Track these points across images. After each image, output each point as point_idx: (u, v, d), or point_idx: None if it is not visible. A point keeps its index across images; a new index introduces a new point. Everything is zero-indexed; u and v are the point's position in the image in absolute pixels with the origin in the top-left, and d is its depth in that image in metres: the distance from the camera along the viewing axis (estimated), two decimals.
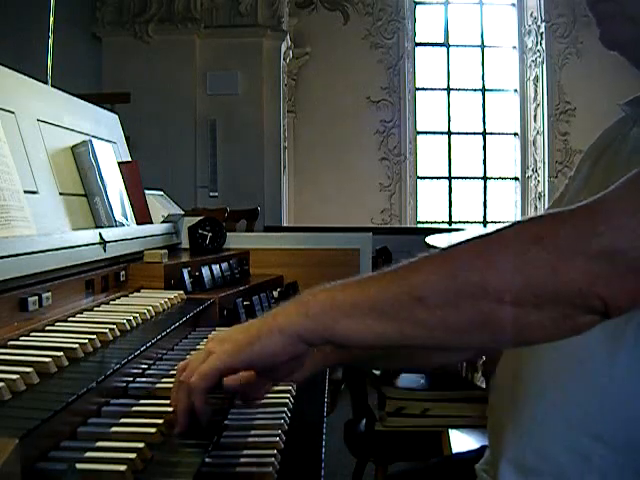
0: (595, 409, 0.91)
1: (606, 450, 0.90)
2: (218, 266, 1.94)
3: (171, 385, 0.98)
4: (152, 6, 6.93)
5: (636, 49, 0.95)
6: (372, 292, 0.74)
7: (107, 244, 1.52)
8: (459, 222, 9.42)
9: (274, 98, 7.19)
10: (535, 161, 9.46)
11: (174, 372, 1.11)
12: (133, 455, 0.75)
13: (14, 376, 0.80)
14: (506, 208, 9.77)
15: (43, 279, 1.20)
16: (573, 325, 0.71)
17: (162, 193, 2.49)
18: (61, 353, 0.93)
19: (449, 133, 9.65)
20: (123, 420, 0.88)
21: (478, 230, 7.08)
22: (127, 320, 1.20)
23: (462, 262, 0.72)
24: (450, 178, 9.68)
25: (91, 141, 1.73)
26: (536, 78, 9.29)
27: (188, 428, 0.86)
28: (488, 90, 9.67)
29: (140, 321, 1.26)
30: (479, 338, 0.75)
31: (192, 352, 1.26)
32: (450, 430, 2.07)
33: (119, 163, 1.92)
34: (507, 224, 0.75)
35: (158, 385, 1.04)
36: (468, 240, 0.75)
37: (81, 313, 1.24)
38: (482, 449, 1.14)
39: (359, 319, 0.73)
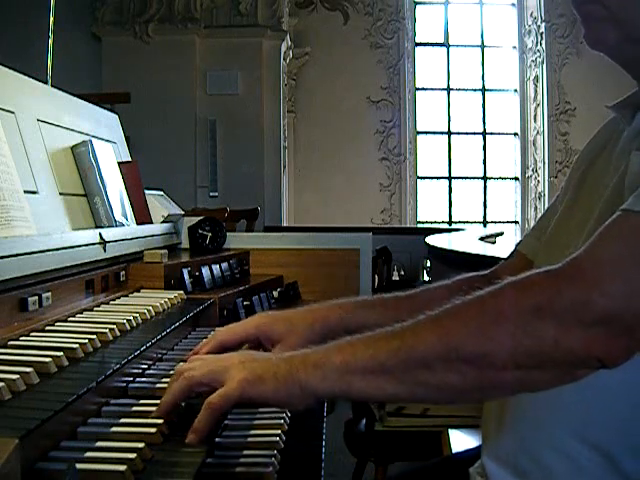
0: (584, 412, 0.91)
1: (594, 453, 0.91)
2: (218, 266, 1.94)
3: None
4: (152, 6, 6.93)
5: (620, 51, 0.95)
6: (382, 358, 0.79)
7: (107, 244, 1.52)
8: (459, 222, 9.42)
9: (274, 98, 7.19)
10: (535, 161, 9.46)
11: (174, 372, 1.11)
12: (133, 455, 0.75)
13: (14, 376, 0.80)
14: (506, 208, 9.78)
15: (43, 279, 1.20)
16: (572, 377, 0.77)
17: (162, 193, 2.48)
18: (61, 353, 0.93)
19: (449, 133, 9.65)
20: (123, 420, 0.88)
21: (478, 231, 7.08)
22: (127, 320, 1.20)
23: (463, 336, 0.76)
24: (450, 178, 9.68)
25: (91, 141, 1.73)
26: (536, 78, 9.29)
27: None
28: (488, 90, 9.67)
29: (140, 321, 1.26)
30: (485, 395, 0.86)
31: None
32: (450, 430, 2.07)
33: (119, 163, 1.92)
34: (498, 286, 0.78)
35: (158, 385, 1.04)
36: (466, 305, 0.79)
37: (81, 313, 1.24)
38: (479, 449, 1.14)
39: (372, 382, 0.79)
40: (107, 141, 1.96)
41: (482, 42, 9.66)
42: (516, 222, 9.76)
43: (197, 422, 0.83)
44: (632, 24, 0.91)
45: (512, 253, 1.23)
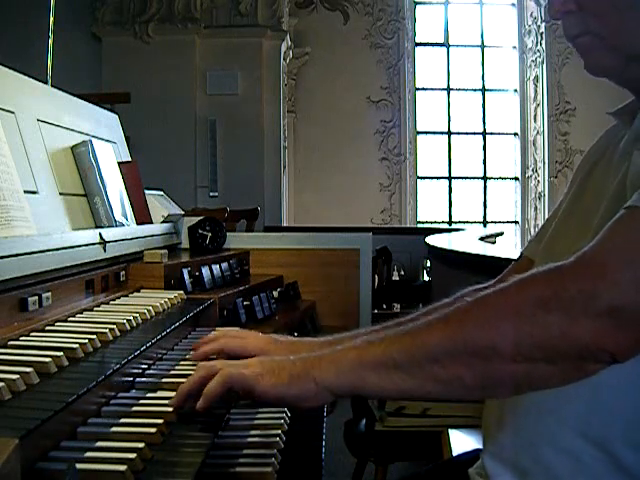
0: (585, 409, 0.91)
1: (595, 450, 0.91)
2: (218, 266, 1.94)
3: (171, 384, 0.99)
4: (152, 6, 6.93)
5: (622, 75, 0.96)
6: (395, 354, 0.82)
7: (107, 244, 1.52)
8: (459, 222, 9.42)
9: (274, 98, 7.19)
10: (535, 161, 9.46)
11: (174, 372, 1.11)
12: (133, 455, 0.75)
13: (14, 376, 0.80)
14: (506, 208, 9.78)
15: (43, 279, 1.20)
16: (583, 373, 0.77)
17: (162, 193, 2.49)
18: (61, 353, 0.93)
19: (449, 133, 9.65)
20: (123, 420, 0.88)
21: (478, 231, 7.08)
22: (127, 320, 1.20)
23: (469, 329, 0.78)
24: (450, 178, 9.68)
25: (91, 141, 1.73)
26: (536, 78, 9.29)
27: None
28: (488, 90, 9.67)
29: (140, 321, 1.26)
30: (494, 391, 0.85)
31: (192, 352, 1.25)
32: (450, 430, 2.07)
33: (119, 163, 1.92)
34: (504, 284, 0.80)
35: (158, 385, 1.04)
36: (473, 302, 0.81)
37: (81, 313, 1.24)
38: (478, 451, 1.14)
39: (384, 377, 0.82)
40: (107, 141, 1.96)
41: (482, 42, 9.66)
42: (516, 222, 9.75)
43: (208, 388, 0.87)
44: (629, 45, 0.92)
45: (518, 258, 1.24)
